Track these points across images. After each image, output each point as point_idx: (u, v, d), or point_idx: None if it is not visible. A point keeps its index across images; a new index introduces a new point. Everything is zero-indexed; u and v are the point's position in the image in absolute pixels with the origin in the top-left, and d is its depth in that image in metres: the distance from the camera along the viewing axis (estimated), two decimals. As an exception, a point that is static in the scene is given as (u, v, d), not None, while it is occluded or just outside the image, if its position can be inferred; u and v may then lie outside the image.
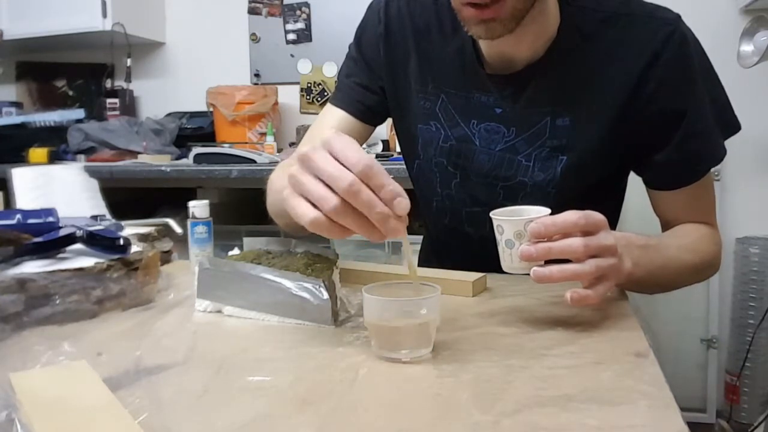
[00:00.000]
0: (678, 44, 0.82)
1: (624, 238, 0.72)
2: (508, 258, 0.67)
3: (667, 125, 0.84)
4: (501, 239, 0.67)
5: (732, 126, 0.88)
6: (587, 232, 0.65)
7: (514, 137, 0.89)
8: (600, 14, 0.84)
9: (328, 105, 1.02)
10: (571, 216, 0.64)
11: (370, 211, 0.52)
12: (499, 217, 0.67)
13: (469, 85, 0.91)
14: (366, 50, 0.99)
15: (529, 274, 0.64)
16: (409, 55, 0.96)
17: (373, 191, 0.53)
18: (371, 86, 0.99)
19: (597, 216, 0.65)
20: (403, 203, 0.53)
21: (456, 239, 0.99)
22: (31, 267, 0.72)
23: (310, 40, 2.63)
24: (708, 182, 0.90)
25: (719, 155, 0.87)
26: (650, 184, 0.91)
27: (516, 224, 0.65)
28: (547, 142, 0.87)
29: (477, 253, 0.86)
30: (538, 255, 0.63)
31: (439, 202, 0.99)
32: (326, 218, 0.54)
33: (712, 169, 0.89)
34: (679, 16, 0.84)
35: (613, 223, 0.88)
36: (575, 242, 0.63)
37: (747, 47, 1.86)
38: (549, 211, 0.66)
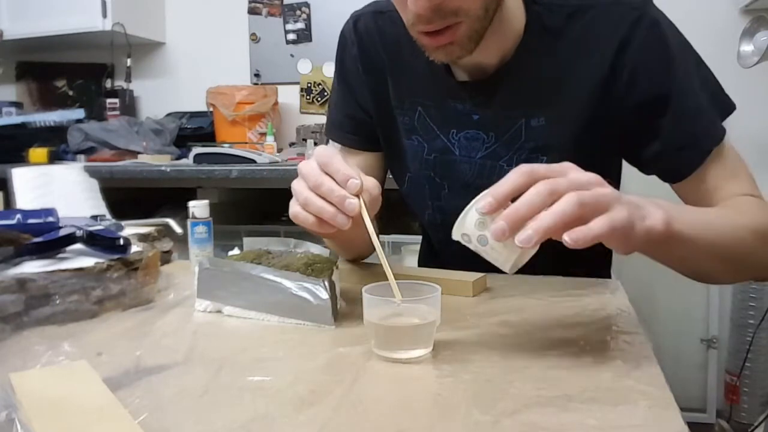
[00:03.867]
0: (647, 27, 0.78)
1: (643, 197, 0.61)
2: (495, 254, 0.57)
3: (652, 113, 0.80)
4: (476, 245, 0.58)
5: (726, 106, 0.82)
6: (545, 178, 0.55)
7: (494, 142, 0.87)
8: (566, 9, 0.81)
9: (330, 141, 1.02)
10: (512, 172, 0.55)
11: (331, 196, 0.62)
12: (454, 229, 0.59)
13: (443, 94, 0.89)
14: (348, 76, 0.98)
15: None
16: (384, 72, 0.94)
17: (334, 179, 0.63)
18: (357, 115, 0.98)
19: (555, 165, 0.56)
20: (354, 183, 0.62)
21: (452, 248, 0.98)
22: (31, 267, 0.72)
23: (310, 40, 2.63)
24: (726, 153, 0.81)
25: (718, 135, 0.80)
26: (663, 179, 0.86)
27: (468, 218, 0.57)
28: (525, 145, 0.85)
29: (475, 259, 0.85)
30: (509, 222, 0.53)
31: (430, 214, 0.97)
32: (301, 209, 0.65)
33: None
34: (648, 0, 0.80)
35: None
36: (537, 186, 0.54)
37: (747, 47, 1.86)
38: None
